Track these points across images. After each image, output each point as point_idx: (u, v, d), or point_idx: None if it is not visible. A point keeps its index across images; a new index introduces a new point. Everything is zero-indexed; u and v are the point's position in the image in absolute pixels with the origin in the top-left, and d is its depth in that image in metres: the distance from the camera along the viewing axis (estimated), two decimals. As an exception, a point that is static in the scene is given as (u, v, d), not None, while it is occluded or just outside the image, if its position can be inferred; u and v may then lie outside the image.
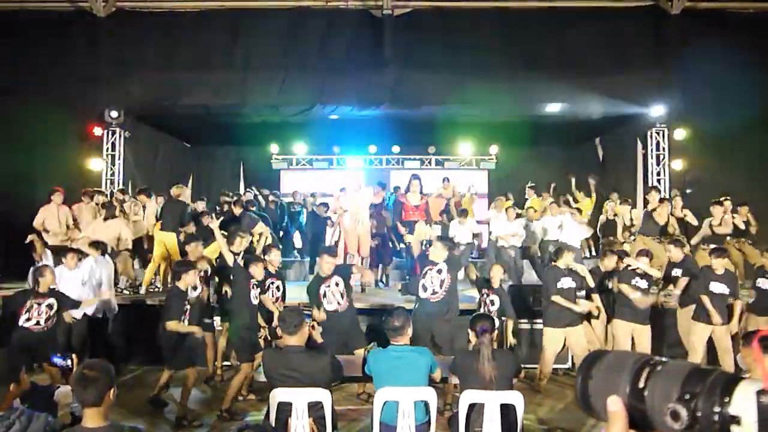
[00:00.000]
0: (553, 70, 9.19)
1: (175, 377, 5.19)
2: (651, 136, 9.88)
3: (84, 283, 6.08)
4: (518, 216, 8.64)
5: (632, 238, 8.04)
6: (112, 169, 9.77)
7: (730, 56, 9.17)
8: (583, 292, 5.80)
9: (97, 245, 6.46)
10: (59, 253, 6.62)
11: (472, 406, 3.41)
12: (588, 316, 5.96)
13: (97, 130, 9.56)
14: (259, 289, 5.49)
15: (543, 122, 10.30)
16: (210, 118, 10.33)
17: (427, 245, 5.89)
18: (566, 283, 5.66)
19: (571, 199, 9.12)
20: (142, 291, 7.65)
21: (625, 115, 10.05)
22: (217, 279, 6.02)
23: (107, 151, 9.72)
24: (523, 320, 6.81)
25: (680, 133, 9.64)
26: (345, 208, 7.95)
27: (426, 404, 3.40)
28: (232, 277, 5.57)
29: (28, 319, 5.20)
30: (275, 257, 6.04)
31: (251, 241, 6.92)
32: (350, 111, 9.60)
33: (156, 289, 7.84)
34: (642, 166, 10.01)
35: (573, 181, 9.43)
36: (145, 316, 6.72)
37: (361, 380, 4.94)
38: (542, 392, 5.85)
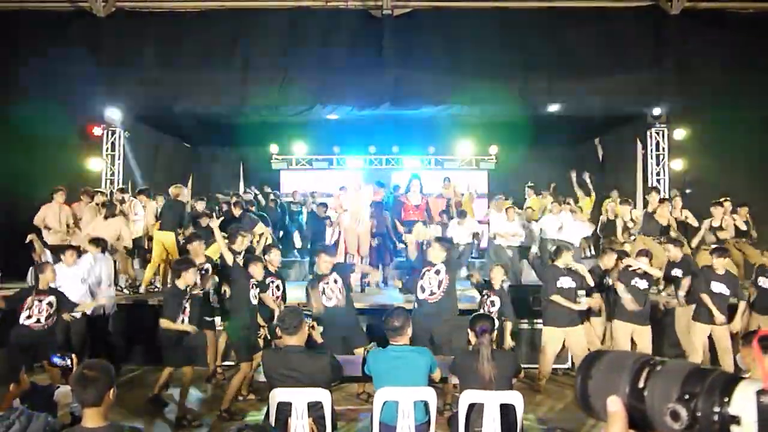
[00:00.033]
0: (553, 70, 9.19)
1: (175, 376, 5.19)
2: (651, 136, 9.87)
3: (83, 280, 6.09)
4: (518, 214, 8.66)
5: (632, 238, 8.04)
6: (111, 169, 9.77)
7: (730, 56, 9.17)
8: (584, 292, 5.81)
9: (98, 242, 6.47)
10: (58, 251, 6.63)
11: (471, 406, 3.41)
12: (588, 313, 5.97)
13: (97, 130, 9.56)
14: (258, 289, 5.50)
15: (543, 122, 10.29)
16: (210, 118, 10.33)
17: (426, 245, 5.89)
18: (566, 282, 5.67)
19: (572, 201, 9.11)
20: (142, 290, 7.66)
21: (625, 115, 10.06)
22: (217, 278, 6.03)
23: (107, 151, 9.71)
24: (523, 320, 6.82)
25: (680, 133, 9.63)
26: (345, 207, 7.96)
27: (426, 404, 3.40)
28: (231, 277, 5.58)
29: (29, 317, 5.19)
30: (275, 257, 6.05)
31: (251, 242, 6.92)
32: (350, 111, 9.60)
33: (156, 289, 7.85)
34: (642, 166, 10.00)
35: (574, 177, 9.41)
36: (145, 316, 6.73)
37: (361, 380, 4.94)
38: (542, 392, 5.85)
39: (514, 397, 3.39)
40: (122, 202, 7.96)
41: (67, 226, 7.65)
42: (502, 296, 5.77)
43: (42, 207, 7.56)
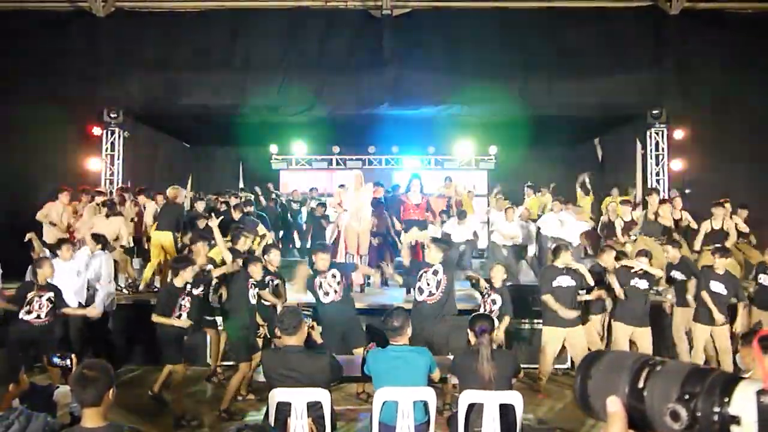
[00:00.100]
0: (553, 70, 9.19)
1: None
2: (650, 136, 9.86)
3: (79, 273, 6.08)
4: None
5: (633, 238, 8.03)
6: (111, 168, 9.77)
7: (729, 56, 9.18)
8: (584, 291, 5.81)
9: (98, 238, 6.48)
10: (56, 249, 6.62)
11: (471, 406, 3.41)
12: (588, 310, 5.97)
13: (97, 130, 9.55)
14: (257, 289, 5.50)
15: (543, 122, 10.29)
16: (210, 118, 10.32)
17: (424, 247, 5.89)
18: (565, 281, 5.65)
19: (571, 204, 9.09)
20: (141, 289, 7.66)
21: (624, 115, 10.05)
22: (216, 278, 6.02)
23: (107, 151, 9.70)
24: (523, 320, 6.81)
25: (680, 133, 9.63)
26: (345, 206, 7.95)
27: (425, 404, 3.40)
28: (230, 277, 5.57)
29: (29, 312, 5.18)
30: (275, 257, 6.05)
31: (252, 243, 6.92)
32: (350, 111, 9.60)
33: (156, 289, 7.83)
34: (641, 167, 10.00)
35: (586, 179, 9.37)
36: (145, 315, 6.68)
37: (361, 380, 4.94)
38: (542, 392, 5.84)
39: (514, 397, 3.39)
40: (123, 201, 7.96)
41: (68, 225, 7.66)
42: (503, 294, 5.75)
43: (45, 205, 7.59)
